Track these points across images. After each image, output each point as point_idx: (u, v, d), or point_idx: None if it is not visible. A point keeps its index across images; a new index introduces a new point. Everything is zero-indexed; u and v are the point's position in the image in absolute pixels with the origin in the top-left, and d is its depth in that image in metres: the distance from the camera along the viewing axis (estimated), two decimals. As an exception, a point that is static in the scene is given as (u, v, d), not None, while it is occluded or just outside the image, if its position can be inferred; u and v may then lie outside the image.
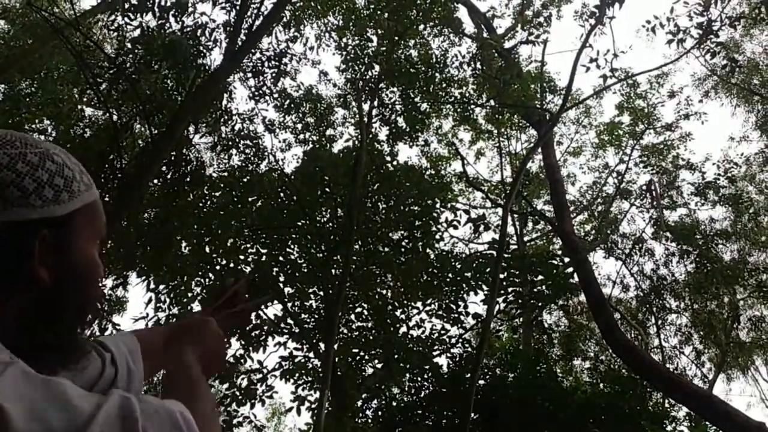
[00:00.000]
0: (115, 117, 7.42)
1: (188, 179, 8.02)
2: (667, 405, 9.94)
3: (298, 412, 9.10)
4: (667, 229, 15.43)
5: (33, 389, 0.66)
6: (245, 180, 9.78)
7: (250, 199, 9.75)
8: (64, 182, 0.84)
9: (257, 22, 7.36)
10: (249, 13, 7.45)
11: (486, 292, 9.04)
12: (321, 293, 9.50)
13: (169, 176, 8.06)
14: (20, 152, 0.80)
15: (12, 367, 0.67)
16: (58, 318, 0.84)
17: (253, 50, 8.46)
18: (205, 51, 7.56)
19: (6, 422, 0.60)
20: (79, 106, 10.83)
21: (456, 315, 9.44)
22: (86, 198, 0.88)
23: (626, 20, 28.90)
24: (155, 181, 8.13)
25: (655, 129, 17.51)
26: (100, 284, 0.92)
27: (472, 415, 7.21)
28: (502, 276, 8.05)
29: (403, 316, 9.76)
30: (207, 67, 7.66)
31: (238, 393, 9.02)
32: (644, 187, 16.34)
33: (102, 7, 9.57)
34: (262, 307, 7.79)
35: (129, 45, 7.22)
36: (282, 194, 9.94)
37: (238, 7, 7.49)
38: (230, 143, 9.90)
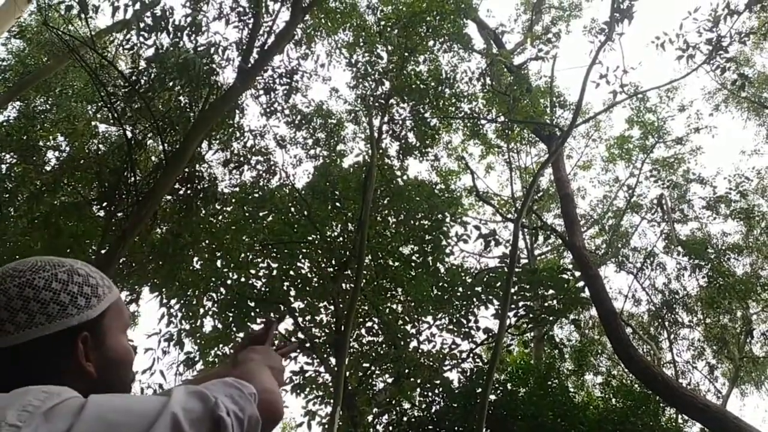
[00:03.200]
0: (128, 134, 7.51)
1: (201, 195, 8.09)
2: (680, 421, 9.84)
3: (309, 427, 9.09)
4: (678, 243, 15.35)
5: (117, 400, 0.82)
6: (256, 195, 9.85)
7: (261, 214, 9.82)
8: (92, 290, 1.00)
9: (269, 41, 7.46)
10: (261, 32, 7.55)
11: (497, 307, 9.02)
12: (331, 307, 9.53)
13: (181, 192, 8.14)
14: (52, 273, 0.97)
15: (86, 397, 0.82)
16: None
17: (265, 68, 8.56)
18: (218, 69, 7.67)
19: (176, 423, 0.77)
20: (93, 123, 10.97)
21: (467, 329, 9.42)
22: (111, 298, 1.05)
23: (636, 32, 28.94)
24: (168, 196, 8.21)
25: (665, 143, 17.50)
26: (132, 367, 1.08)
27: (484, 430, 7.18)
28: (512, 290, 8.03)
29: (413, 331, 9.76)
30: (220, 85, 7.76)
31: (249, 408, 9.02)
32: (655, 201, 16.30)
33: (117, 27, 9.72)
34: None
35: (143, 63, 7.34)
36: (293, 209, 10.01)
37: (250, 26, 7.60)
38: (242, 159, 9.98)
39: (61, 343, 0.94)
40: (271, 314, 8.81)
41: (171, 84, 7.22)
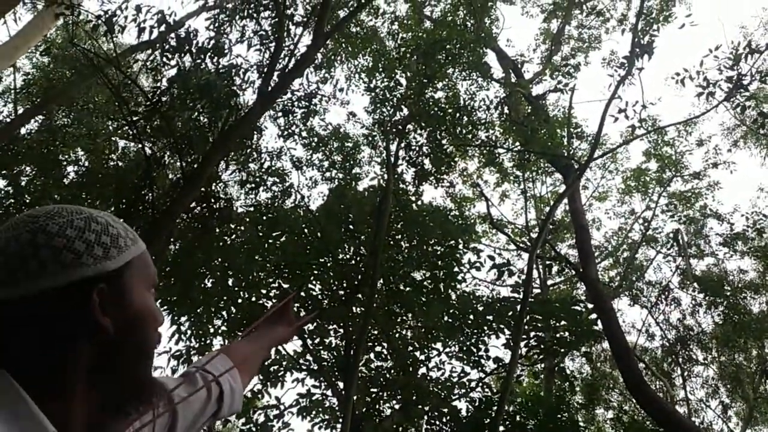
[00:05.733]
0: (148, 151, 7.61)
1: (216, 214, 8.15)
2: (692, 461, 9.64)
3: (314, 451, 9.00)
4: (694, 279, 15.18)
5: None
6: (271, 216, 9.89)
7: (274, 235, 9.85)
8: (111, 240, 0.93)
9: (290, 64, 7.56)
10: (282, 56, 7.65)
11: (507, 336, 8.95)
12: (341, 330, 9.49)
13: (197, 210, 8.20)
14: (67, 220, 0.90)
15: None
16: (125, 362, 0.92)
17: (284, 91, 8.66)
18: (238, 91, 7.77)
19: None
20: (113, 138, 11.10)
21: (476, 358, 9.34)
22: (134, 251, 0.97)
23: (655, 65, 28.95)
24: (184, 214, 8.27)
25: (682, 176, 17.41)
26: (158, 329, 1.00)
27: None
28: (524, 320, 7.98)
29: (422, 357, 9.68)
30: (240, 107, 7.86)
31: (254, 429, 8.98)
32: (671, 236, 16.17)
33: (142, 46, 9.90)
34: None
35: (165, 83, 7.46)
36: (306, 231, 10.03)
37: (272, 50, 7.71)
38: (258, 180, 10.05)
39: (75, 295, 0.86)
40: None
41: (192, 104, 7.32)
